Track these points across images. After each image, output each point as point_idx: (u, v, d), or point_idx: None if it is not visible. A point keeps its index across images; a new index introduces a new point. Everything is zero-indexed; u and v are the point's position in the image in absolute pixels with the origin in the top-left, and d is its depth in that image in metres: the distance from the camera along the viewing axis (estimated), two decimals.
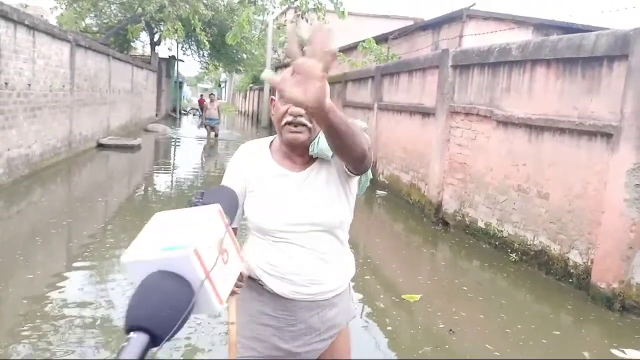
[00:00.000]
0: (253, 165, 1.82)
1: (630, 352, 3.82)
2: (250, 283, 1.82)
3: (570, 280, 5.07)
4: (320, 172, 1.78)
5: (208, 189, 0.83)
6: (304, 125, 1.69)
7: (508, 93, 6.23)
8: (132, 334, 0.60)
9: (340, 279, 1.86)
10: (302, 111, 1.64)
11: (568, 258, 5.13)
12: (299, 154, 1.78)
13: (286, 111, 1.69)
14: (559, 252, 5.25)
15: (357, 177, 1.83)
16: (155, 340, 0.60)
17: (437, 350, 3.70)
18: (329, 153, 1.72)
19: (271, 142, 1.87)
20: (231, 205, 0.87)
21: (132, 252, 0.68)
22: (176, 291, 0.62)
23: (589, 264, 4.84)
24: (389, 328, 4.01)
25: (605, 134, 4.76)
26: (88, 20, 22.46)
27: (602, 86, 4.88)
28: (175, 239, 0.66)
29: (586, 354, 3.83)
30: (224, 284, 0.69)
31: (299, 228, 1.74)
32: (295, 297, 1.78)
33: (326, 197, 1.77)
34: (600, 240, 4.70)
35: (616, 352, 3.83)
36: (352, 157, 1.60)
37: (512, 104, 6.14)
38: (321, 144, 1.72)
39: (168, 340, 0.61)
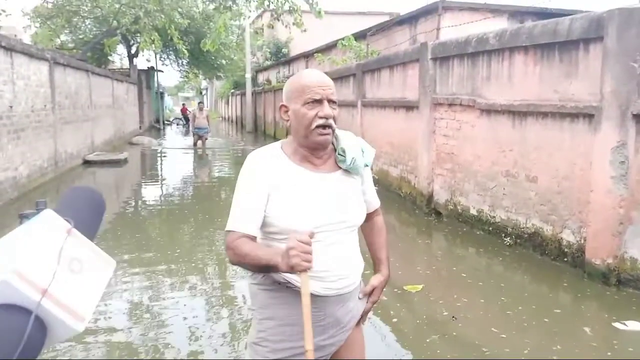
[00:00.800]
0: (273, 169, 1.82)
1: (632, 324, 3.93)
2: (273, 288, 1.85)
3: (565, 259, 5.20)
4: (346, 175, 1.91)
5: (61, 196, 0.72)
6: (331, 127, 1.81)
7: (489, 81, 6.35)
8: None
9: (358, 271, 1.97)
10: (332, 114, 1.80)
11: (561, 238, 5.26)
12: (319, 156, 1.87)
13: (315, 115, 1.78)
14: (552, 232, 5.37)
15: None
16: None
17: (444, 338, 3.78)
18: (360, 169, 1.92)
19: (281, 147, 1.91)
20: (89, 208, 0.69)
21: None
22: (2, 326, 0.51)
23: (582, 242, 4.97)
24: (394, 320, 4.08)
25: (587, 115, 4.88)
26: (63, 37, 22.31)
27: (580, 69, 5.01)
28: None
29: (587, 330, 3.94)
30: (82, 296, 0.58)
31: (333, 227, 1.83)
32: (325, 294, 1.83)
33: (357, 197, 1.93)
34: (591, 218, 4.82)
35: (618, 325, 3.94)
36: None
37: (494, 91, 6.25)
38: (358, 162, 1.88)
39: None
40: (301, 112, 1.80)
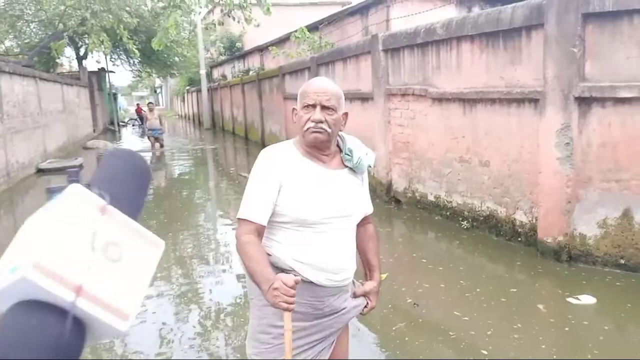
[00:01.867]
0: (284, 163, 1.97)
1: (584, 298, 4.14)
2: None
3: (519, 239, 5.41)
4: (352, 173, 2.09)
5: (98, 166, 0.61)
6: (323, 129, 1.95)
7: (439, 70, 6.50)
8: None
9: (354, 266, 2.14)
10: (322, 118, 1.95)
11: (515, 219, 5.47)
12: (325, 154, 2.03)
13: (308, 119, 1.96)
14: (506, 214, 5.58)
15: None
16: None
17: (410, 325, 3.89)
18: (366, 168, 2.09)
19: (293, 144, 2.07)
20: (131, 177, 0.57)
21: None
22: (27, 338, 0.42)
23: (534, 221, 5.18)
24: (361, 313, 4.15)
25: (532, 100, 5.08)
26: (8, 43, 21.48)
27: (524, 55, 5.19)
28: (17, 255, 0.46)
29: (542, 306, 4.13)
30: (124, 289, 0.49)
31: (339, 220, 2.00)
32: (327, 284, 1.99)
33: (361, 193, 2.12)
34: (541, 199, 5.03)
35: (572, 300, 4.14)
36: None
37: (444, 80, 6.41)
38: (364, 161, 2.06)
39: None
40: (299, 114, 2.01)
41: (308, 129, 1.95)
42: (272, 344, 1.98)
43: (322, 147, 2.00)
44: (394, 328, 3.86)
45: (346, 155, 2.05)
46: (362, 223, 2.20)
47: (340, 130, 2.07)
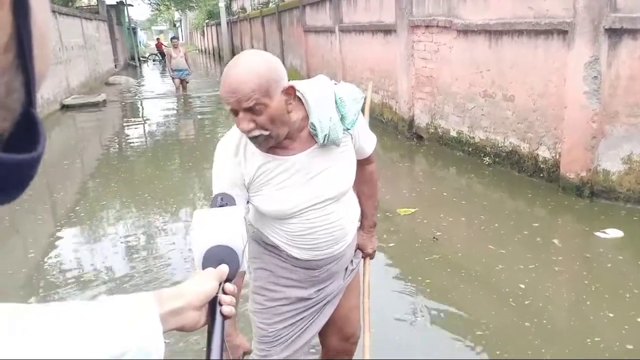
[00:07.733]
0: (242, 163, 1.71)
1: (611, 231, 4.16)
2: (270, 248, 1.90)
3: (542, 175, 5.39)
4: (327, 145, 1.74)
5: (222, 195, 1.16)
6: (261, 135, 1.58)
7: (465, 0, 6.27)
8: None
9: (354, 222, 1.97)
10: (251, 126, 1.55)
11: (537, 155, 5.42)
12: (287, 138, 1.71)
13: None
14: (529, 150, 5.53)
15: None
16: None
17: (447, 259, 3.93)
18: (339, 141, 1.73)
19: None
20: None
21: (204, 238, 1.02)
22: (231, 253, 1.00)
23: (557, 157, 5.14)
24: (390, 245, 4.22)
25: (561, 31, 4.90)
26: None
27: None
28: (226, 231, 1.03)
29: (556, 241, 4.17)
30: (246, 254, 1.04)
31: (316, 205, 1.77)
32: (323, 257, 1.86)
33: (341, 165, 1.79)
34: (565, 134, 4.96)
35: (599, 234, 4.15)
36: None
37: (469, 11, 6.19)
38: (332, 135, 1.69)
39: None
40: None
41: (246, 134, 1.61)
42: (264, 305, 1.93)
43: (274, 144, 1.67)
44: (426, 258, 3.93)
45: (312, 130, 1.69)
46: (363, 163, 1.94)
47: (289, 112, 1.60)
